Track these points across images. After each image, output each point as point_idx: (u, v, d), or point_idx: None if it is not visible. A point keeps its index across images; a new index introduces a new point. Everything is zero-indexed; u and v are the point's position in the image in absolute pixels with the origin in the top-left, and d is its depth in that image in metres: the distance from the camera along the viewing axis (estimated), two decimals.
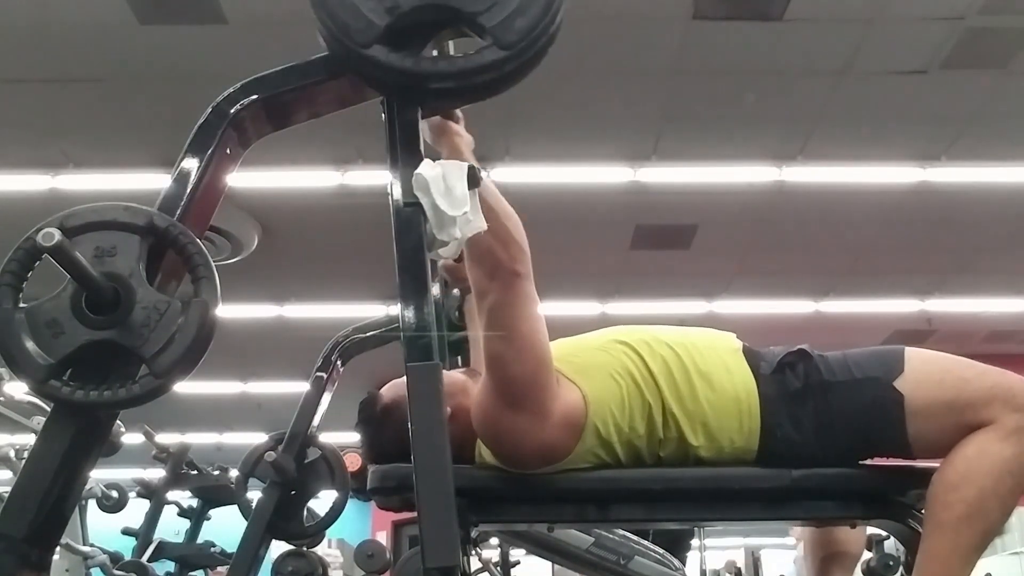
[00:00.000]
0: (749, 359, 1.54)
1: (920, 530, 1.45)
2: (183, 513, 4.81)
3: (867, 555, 3.37)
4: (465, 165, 1.22)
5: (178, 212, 1.26)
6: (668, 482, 1.50)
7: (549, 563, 3.74)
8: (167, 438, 4.88)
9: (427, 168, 1.21)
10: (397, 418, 1.36)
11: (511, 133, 4.90)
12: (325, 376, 2.80)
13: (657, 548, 2.45)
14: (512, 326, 1.42)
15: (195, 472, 4.69)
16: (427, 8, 1.16)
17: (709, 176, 5.54)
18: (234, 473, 3.09)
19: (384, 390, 1.65)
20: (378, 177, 4.94)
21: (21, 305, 1.16)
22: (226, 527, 3.93)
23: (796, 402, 1.49)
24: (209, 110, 1.34)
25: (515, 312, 1.42)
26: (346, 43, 1.16)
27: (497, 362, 1.43)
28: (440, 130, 1.49)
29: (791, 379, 1.51)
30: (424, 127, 1.52)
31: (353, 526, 7.41)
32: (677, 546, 2.55)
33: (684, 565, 2.58)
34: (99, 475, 4.51)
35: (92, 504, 4.45)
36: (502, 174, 5.06)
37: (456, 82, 1.18)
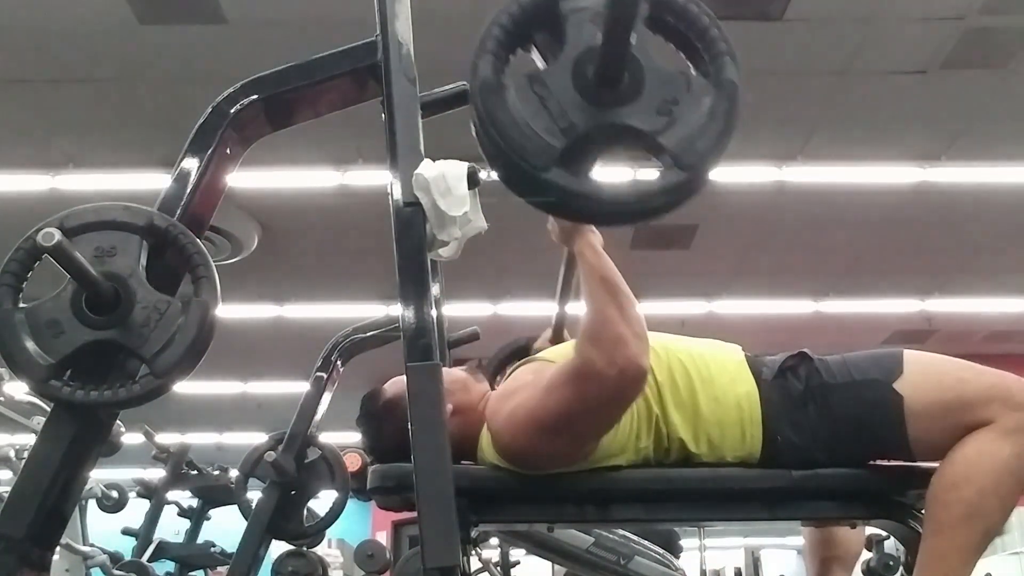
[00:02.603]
0: (752, 368, 1.55)
1: (920, 530, 1.45)
2: (183, 513, 4.81)
3: (867, 555, 3.37)
4: (465, 165, 1.22)
5: (178, 212, 1.27)
6: (668, 482, 1.50)
7: (549, 563, 3.74)
8: (167, 438, 4.89)
9: (427, 168, 1.21)
10: (399, 415, 1.36)
11: None
12: (325, 376, 2.80)
13: (657, 548, 2.45)
14: (598, 416, 1.41)
15: (195, 472, 4.69)
16: (604, 127, 1.11)
17: (709, 176, 5.52)
18: (234, 473, 3.09)
19: (387, 385, 1.65)
20: (378, 177, 4.94)
21: (21, 305, 1.16)
22: (226, 527, 3.93)
23: (797, 407, 1.50)
24: (209, 110, 1.34)
25: (610, 410, 1.41)
26: (522, 166, 1.09)
27: (559, 418, 1.41)
28: (573, 228, 1.46)
29: (793, 383, 1.52)
30: (552, 223, 1.51)
31: (353, 526, 7.40)
32: (670, 546, 2.54)
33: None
34: (99, 475, 4.51)
35: (92, 504, 4.45)
36: None
37: (636, 206, 1.12)
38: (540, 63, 1.14)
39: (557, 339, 1.93)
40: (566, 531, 2.21)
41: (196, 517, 4.73)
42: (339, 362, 2.82)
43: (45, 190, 5.26)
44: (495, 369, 2.19)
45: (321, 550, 4.08)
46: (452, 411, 1.47)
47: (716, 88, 1.15)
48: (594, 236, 1.46)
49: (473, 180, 1.22)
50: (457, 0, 3.45)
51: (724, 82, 1.16)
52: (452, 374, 1.64)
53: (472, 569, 2.92)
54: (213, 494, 4.67)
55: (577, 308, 1.52)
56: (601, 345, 1.36)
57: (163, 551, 4.47)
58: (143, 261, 1.20)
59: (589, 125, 1.10)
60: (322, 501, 3.06)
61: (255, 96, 1.35)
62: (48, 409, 1.22)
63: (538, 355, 1.68)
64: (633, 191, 1.11)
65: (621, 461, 1.49)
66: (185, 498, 4.89)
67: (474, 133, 1.12)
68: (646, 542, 2.42)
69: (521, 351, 2.18)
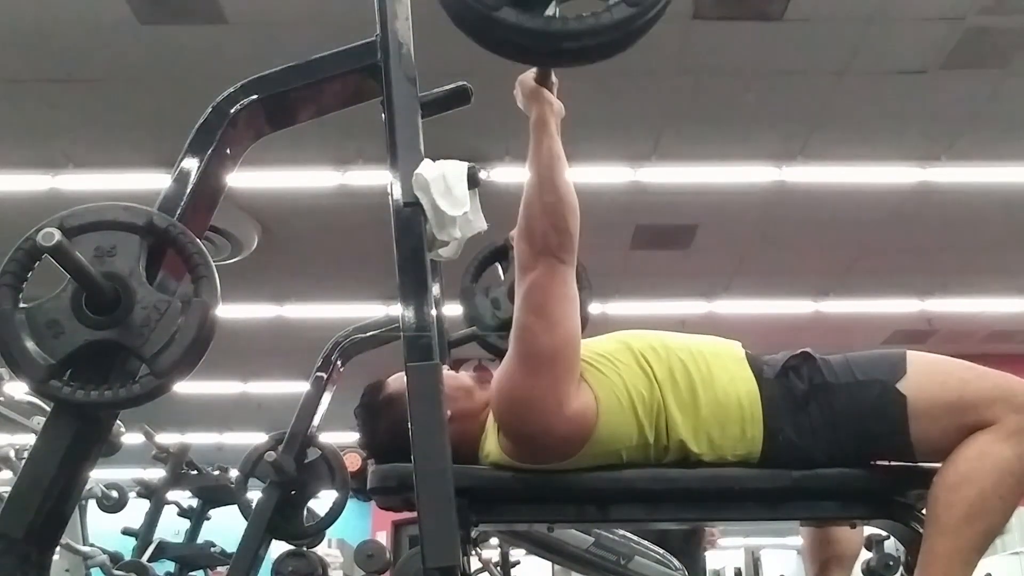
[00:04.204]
0: (752, 366, 1.55)
1: (921, 530, 1.45)
2: (183, 513, 4.80)
3: (867, 555, 3.37)
4: (465, 165, 1.22)
5: (178, 212, 1.27)
6: (668, 482, 1.50)
7: (549, 563, 3.73)
8: (167, 438, 4.88)
9: (427, 168, 1.21)
10: (396, 410, 1.36)
11: (511, 133, 4.89)
12: (325, 376, 2.79)
13: (657, 548, 2.44)
14: (546, 304, 1.43)
15: (195, 472, 4.69)
16: None
17: (709, 176, 5.53)
18: (234, 473, 3.09)
19: (391, 379, 1.65)
20: (378, 177, 4.94)
21: (21, 305, 1.16)
22: (226, 527, 3.93)
23: (799, 406, 1.50)
24: (209, 110, 1.34)
25: (551, 292, 1.43)
26: (474, 6, 1.14)
27: (526, 334, 1.44)
28: (534, 94, 1.49)
29: (795, 382, 1.51)
30: (517, 89, 1.53)
31: (353, 526, 7.40)
32: (689, 547, 2.51)
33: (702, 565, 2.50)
34: (99, 475, 4.51)
35: (92, 504, 4.45)
36: (502, 174, 5.06)
37: (586, 41, 1.16)
38: None
39: None
40: (566, 531, 2.21)
41: (196, 517, 4.73)
42: (339, 362, 2.82)
43: (45, 190, 5.26)
44: (475, 273, 2.23)
45: (321, 550, 4.08)
46: (450, 417, 1.47)
47: None
48: (551, 108, 1.48)
49: (473, 180, 1.22)
50: None
51: None
52: (457, 380, 1.63)
53: (472, 569, 2.92)
54: (213, 494, 4.67)
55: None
56: (527, 238, 1.44)
57: (163, 551, 4.46)
58: (143, 261, 1.20)
59: None
60: (322, 501, 3.05)
61: (255, 96, 1.35)
62: (48, 409, 1.22)
63: None
64: (580, 25, 1.14)
65: (623, 454, 1.49)
66: (185, 498, 4.89)
67: None
68: (646, 542, 2.42)
69: (501, 251, 2.20)
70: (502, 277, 2.28)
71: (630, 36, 1.17)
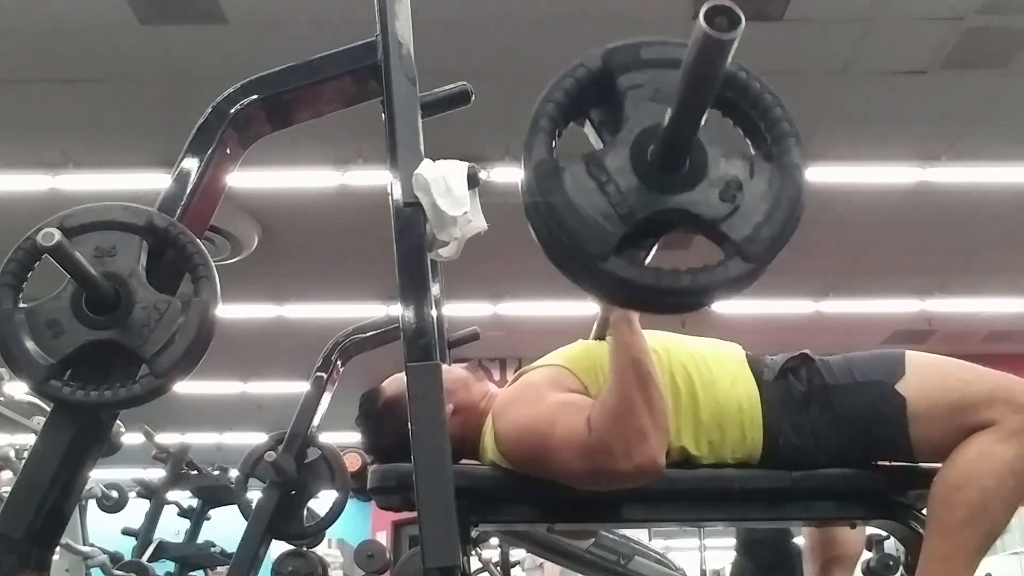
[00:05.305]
0: (753, 368, 1.55)
1: (921, 531, 1.45)
2: (183, 513, 4.81)
3: (867, 555, 3.37)
4: (465, 165, 1.22)
5: (178, 212, 1.27)
6: (669, 483, 1.50)
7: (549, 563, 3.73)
8: (167, 438, 4.88)
9: (427, 168, 1.21)
10: (398, 414, 1.36)
11: (511, 133, 4.90)
12: (325, 376, 2.80)
13: (656, 549, 2.45)
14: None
15: (195, 472, 4.69)
16: (665, 213, 1.05)
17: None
18: (234, 473, 3.09)
19: (386, 384, 1.65)
20: (378, 177, 4.94)
21: (21, 305, 1.16)
22: (226, 527, 3.93)
23: (799, 408, 1.50)
24: (209, 110, 1.34)
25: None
26: (580, 255, 1.02)
27: (560, 470, 1.42)
28: (625, 318, 1.42)
29: (794, 384, 1.52)
30: (600, 312, 1.49)
31: (353, 526, 7.40)
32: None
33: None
34: (99, 475, 4.51)
35: (92, 504, 4.45)
36: (502, 174, 5.06)
37: (697, 297, 1.06)
38: (595, 141, 1.08)
39: None
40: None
41: (196, 517, 4.73)
42: (339, 362, 2.82)
43: (45, 190, 5.26)
44: None
45: (321, 550, 4.08)
46: (453, 411, 1.48)
47: (780, 172, 1.07)
48: (639, 332, 1.43)
49: (473, 180, 1.22)
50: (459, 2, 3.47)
51: (789, 166, 1.07)
52: (453, 373, 1.64)
53: (472, 569, 2.92)
54: (213, 494, 4.67)
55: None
56: (621, 432, 1.34)
57: (163, 551, 4.46)
58: (143, 261, 1.20)
59: (649, 211, 1.03)
60: (322, 501, 3.05)
61: (255, 96, 1.35)
62: (48, 409, 1.22)
63: (554, 358, 1.63)
64: (693, 283, 1.05)
65: None
66: (185, 498, 4.89)
67: (526, 215, 1.05)
68: (645, 542, 2.42)
69: None
70: None
71: (740, 289, 1.07)
